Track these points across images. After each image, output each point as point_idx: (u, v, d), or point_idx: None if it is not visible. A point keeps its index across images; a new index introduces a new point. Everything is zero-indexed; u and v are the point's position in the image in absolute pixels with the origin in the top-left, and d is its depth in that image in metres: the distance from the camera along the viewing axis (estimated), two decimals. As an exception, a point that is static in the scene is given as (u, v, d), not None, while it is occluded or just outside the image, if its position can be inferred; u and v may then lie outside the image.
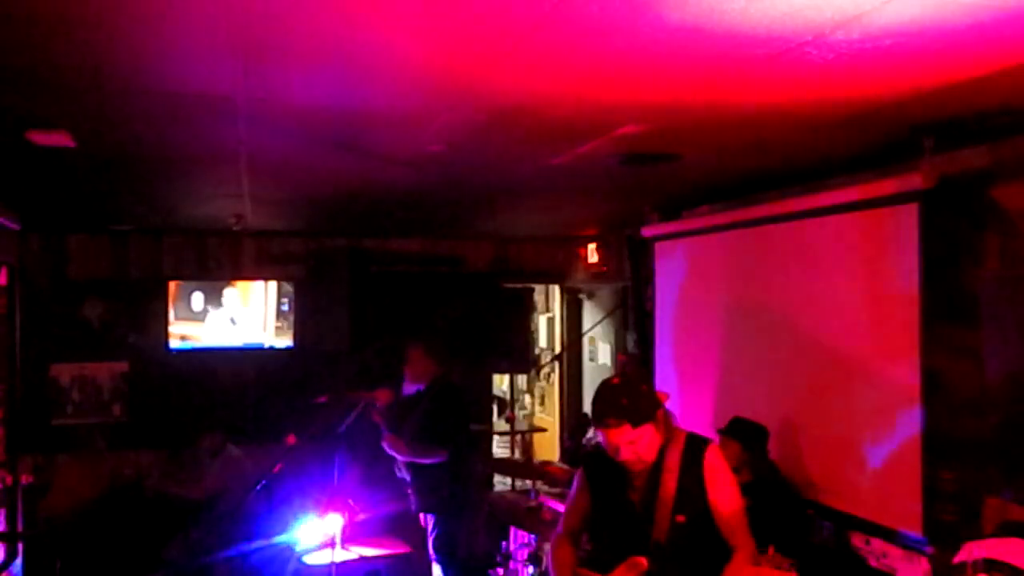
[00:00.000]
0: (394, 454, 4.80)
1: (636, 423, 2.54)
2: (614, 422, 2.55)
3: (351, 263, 6.92)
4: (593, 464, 2.80)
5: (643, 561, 2.56)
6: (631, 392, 2.60)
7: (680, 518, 2.57)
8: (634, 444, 2.56)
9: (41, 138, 3.23)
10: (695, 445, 2.66)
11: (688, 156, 3.76)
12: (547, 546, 3.02)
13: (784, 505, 3.95)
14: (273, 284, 7.35)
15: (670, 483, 2.59)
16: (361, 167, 4.05)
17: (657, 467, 2.62)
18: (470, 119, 3.06)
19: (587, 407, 2.77)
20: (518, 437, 8.27)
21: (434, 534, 4.74)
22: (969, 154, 3.43)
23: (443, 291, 7.77)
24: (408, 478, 4.81)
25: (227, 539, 4.77)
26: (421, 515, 4.87)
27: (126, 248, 7.09)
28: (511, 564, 5.09)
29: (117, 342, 7.05)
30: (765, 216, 4.52)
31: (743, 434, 4.09)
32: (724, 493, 2.62)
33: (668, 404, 2.77)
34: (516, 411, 8.09)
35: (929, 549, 3.41)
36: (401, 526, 4.95)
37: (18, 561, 4.77)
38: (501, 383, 9.43)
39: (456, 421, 4.77)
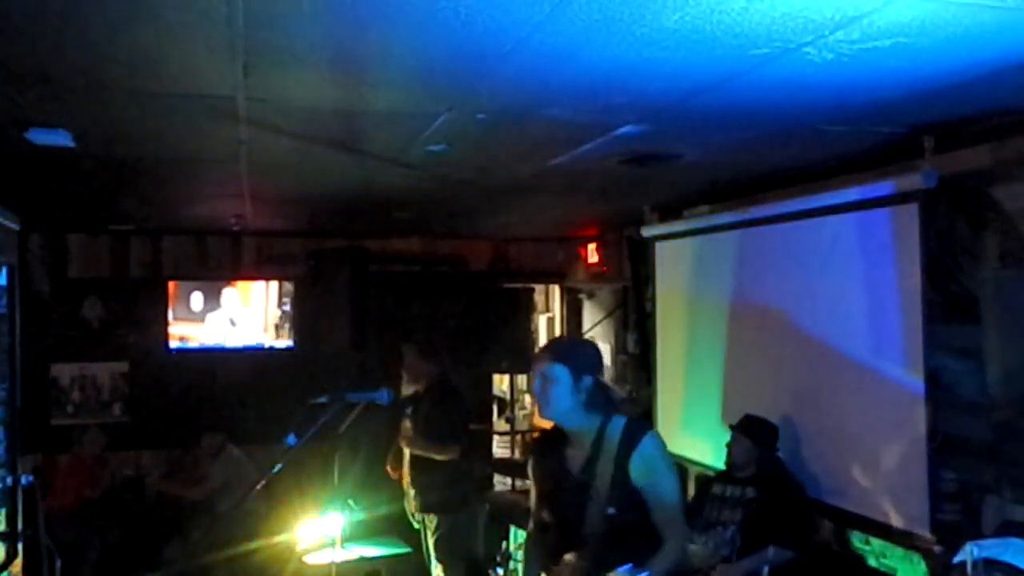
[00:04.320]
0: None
1: (556, 359, 2.60)
2: (543, 354, 2.68)
3: (351, 263, 6.91)
4: (539, 448, 2.83)
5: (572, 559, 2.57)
6: (578, 343, 2.98)
7: (611, 510, 2.52)
8: (545, 380, 2.59)
9: (41, 138, 3.23)
10: (633, 433, 2.58)
11: (688, 156, 3.76)
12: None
13: (788, 502, 3.97)
14: (273, 284, 7.36)
15: (606, 474, 2.54)
16: (361, 167, 4.05)
17: (595, 454, 2.58)
18: (470, 119, 3.06)
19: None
20: (518, 437, 8.28)
21: (438, 534, 4.72)
22: (969, 154, 3.43)
23: (443, 291, 7.78)
24: (411, 478, 4.80)
25: (227, 539, 4.77)
26: (423, 515, 4.85)
27: (126, 248, 7.09)
28: (511, 564, 5.09)
29: (117, 342, 7.05)
30: (765, 216, 4.51)
31: (755, 431, 4.14)
32: (658, 483, 2.54)
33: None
34: (516, 411, 8.09)
35: (938, 548, 3.40)
36: (401, 526, 4.95)
37: (18, 561, 4.77)
38: (501, 383, 9.42)
39: (459, 420, 4.78)
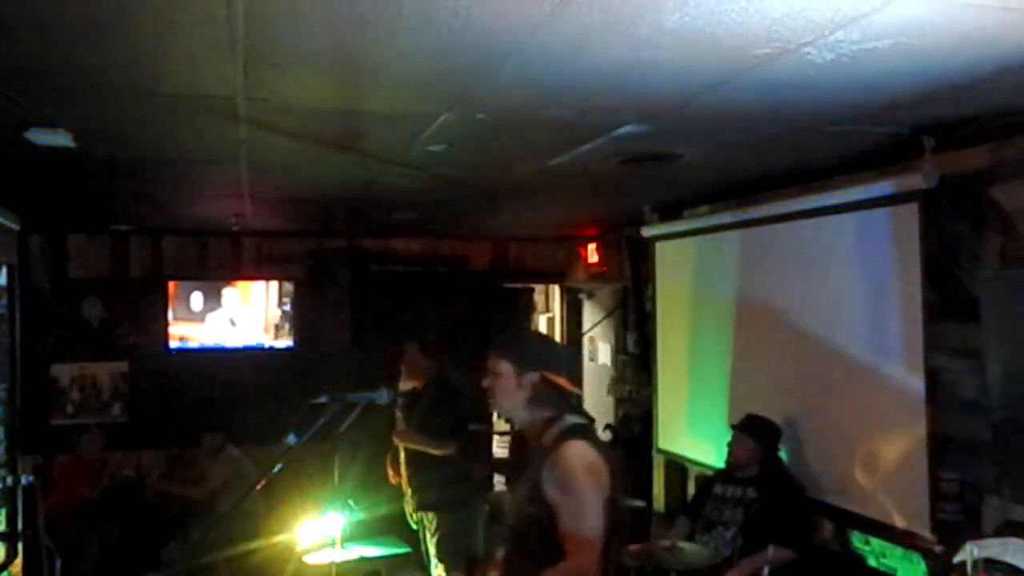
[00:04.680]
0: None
1: (500, 354, 2.56)
2: (491, 349, 2.62)
3: (351, 263, 6.92)
4: (518, 443, 2.81)
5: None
6: (525, 337, 2.83)
7: (531, 509, 2.40)
8: (494, 377, 2.56)
9: (41, 138, 3.23)
10: (562, 437, 2.42)
11: (688, 156, 3.76)
12: None
13: (789, 503, 3.97)
14: (273, 284, 7.36)
15: (530, 475, 2.44)
16: (361, 167, 4.05)
17: (534, 453, 2.49)
18: (470, 119, 3.06)
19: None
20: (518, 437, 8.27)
21: (438, 534, 4.72)
22: (969, 154, 3.43)
23: (443, 291, 7.77)
24: (407, 476, 4.81)
25: (227, 539, 4.77)
26: (421, 514, 4.85)
27: (126, 248, 7.08)
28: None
29: (117, 342, 7.05)
30: (765, 216, 4.51)
31: (757, 431, 4.15)
32: (562, 498, 2.33)
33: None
34: (516, 411, 8.05)
35: (938, 548, 3.40)
36: (401, 526, 4.95)
37: (18, 561, 4.77)
38: (501, 383, 9.41)
39: (457, 416, 4.79)
